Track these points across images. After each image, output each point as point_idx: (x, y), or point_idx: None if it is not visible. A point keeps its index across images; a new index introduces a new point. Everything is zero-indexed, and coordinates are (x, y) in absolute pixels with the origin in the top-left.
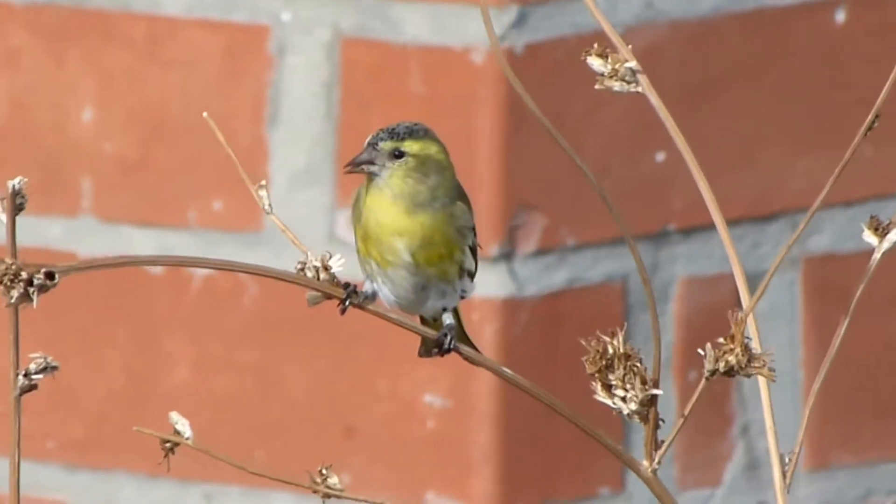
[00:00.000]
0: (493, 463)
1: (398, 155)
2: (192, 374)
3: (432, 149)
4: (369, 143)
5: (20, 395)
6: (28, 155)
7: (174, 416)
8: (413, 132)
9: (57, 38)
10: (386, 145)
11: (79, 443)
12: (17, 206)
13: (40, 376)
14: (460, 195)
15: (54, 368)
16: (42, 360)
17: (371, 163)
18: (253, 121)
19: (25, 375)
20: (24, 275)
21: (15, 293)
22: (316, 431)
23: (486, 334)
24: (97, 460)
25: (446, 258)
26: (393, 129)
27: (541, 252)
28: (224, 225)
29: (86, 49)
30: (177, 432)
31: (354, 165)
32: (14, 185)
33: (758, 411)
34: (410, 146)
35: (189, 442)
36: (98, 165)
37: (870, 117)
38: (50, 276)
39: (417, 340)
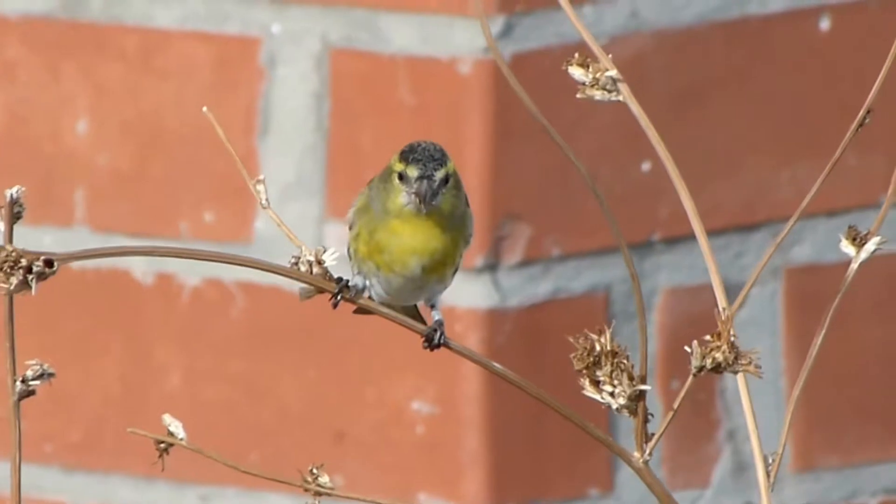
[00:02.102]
0: (482, 465)
1: (446, 180)
2: (185, 382)
3: (452, 163)
4: (423, 177)
5: (19, 400)
6: (23, 166)
7: (167, 417)
8: (443, 152)
9: (51, 50)
10: (440, 174)
11: (77, 446)
12: (14, 214)
13: (37, 382)
14: (466, 200)
15: (51, 375)
16: (38, 367)
17: (436, 194)
18: (244, 132)
19: (23, 381)
20: (23, 262)
21: (14, 280)
22: (307, 437)
23: (470, 344)
24: (95, 462)
25: (449, 265)
26: (431, 154)
27: (525, 263)
28: (215, 236)
29: (80, 61)
30: (170, 433)
31: (429, 205)
32: (12, 194)
33: (743, 417)
34: (451, 166)
35: (183, 442)
36: (92, 177)
37: (861, 113)
38: (49, 263)
39: (406, 350)
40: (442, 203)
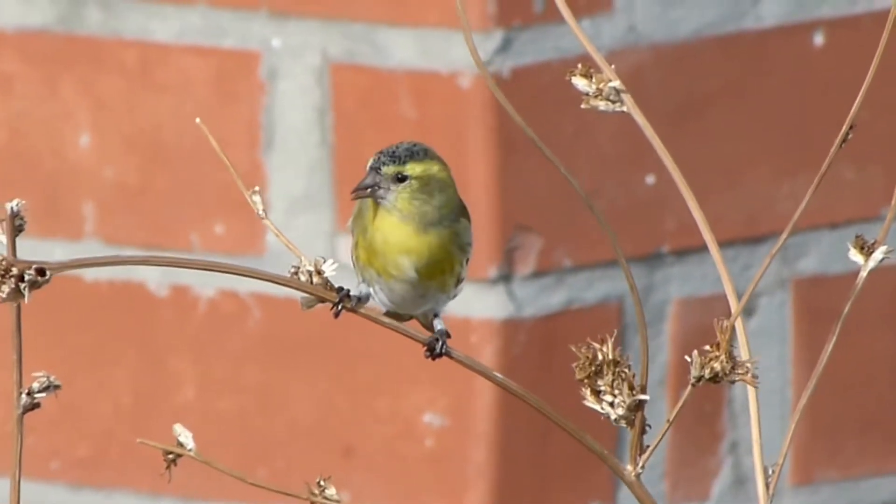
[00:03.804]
0: (488, 478)
1: (401, 178)
2: (197, 394)
3: (434, 168)
4: (372, 168)
5: (23, 413)
6: (28, 179)
7: (177, 428)
8: (413, 154)
9: (49, 64)
10: (389, 170)
11: (84, 462)
12: (16, 227)
13: (43, 395)
14: (462, 211)
15: (57, 387)
16: (45, 378)
17: (376, 187)
18: (248, 146)
19: (28, 394)
20: (14, 270)
21: (6, 289)
22: (317, 451)
23: (485, 355)
24: (101, 479)
25: (447, 272)
26: (393, 151)
27: (538, 274)
28: (227, 248)
29: (79, 75)
30: (180, 444)
31: (360, 191)
32: (13, 207)
33: (747, 428)
34: (413, 169)
35: (192, 453)
36: (99, 190)
37: (844, 128)
38: (41, 272)
39: (419, 362)
40: (396, 202)
